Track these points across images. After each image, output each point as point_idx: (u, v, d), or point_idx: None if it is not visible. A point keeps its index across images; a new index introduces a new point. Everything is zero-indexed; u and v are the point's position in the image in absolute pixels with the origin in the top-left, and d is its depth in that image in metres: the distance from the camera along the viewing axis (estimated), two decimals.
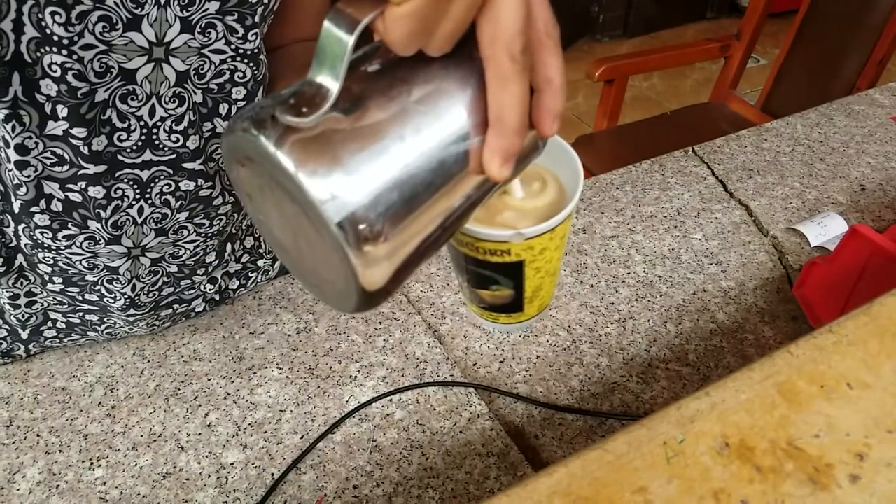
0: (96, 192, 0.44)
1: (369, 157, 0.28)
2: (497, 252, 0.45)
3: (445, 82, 0.30)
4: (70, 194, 0.44)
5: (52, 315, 0.54)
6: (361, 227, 0.28)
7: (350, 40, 0.26)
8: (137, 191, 0.46)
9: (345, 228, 0.27)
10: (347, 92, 0.28)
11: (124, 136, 0.43)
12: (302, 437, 0.51)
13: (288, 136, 0.27)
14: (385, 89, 0.29)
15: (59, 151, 0.41)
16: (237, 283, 0.61)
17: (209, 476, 0.48)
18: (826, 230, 0.68)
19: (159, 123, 0.44)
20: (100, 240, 0.47)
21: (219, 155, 0.48)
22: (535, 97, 0.32)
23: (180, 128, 0.45)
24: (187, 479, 0.48)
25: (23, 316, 0.53)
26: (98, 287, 0.50)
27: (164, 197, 0.47)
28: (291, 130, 0.27)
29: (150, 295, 0.53)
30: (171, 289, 0.55)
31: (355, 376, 0.55)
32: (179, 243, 0.52)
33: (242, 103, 0.46)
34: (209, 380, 0.55)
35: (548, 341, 0.58)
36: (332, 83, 0.27)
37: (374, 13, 0.26)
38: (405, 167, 0.29)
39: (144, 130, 0.43)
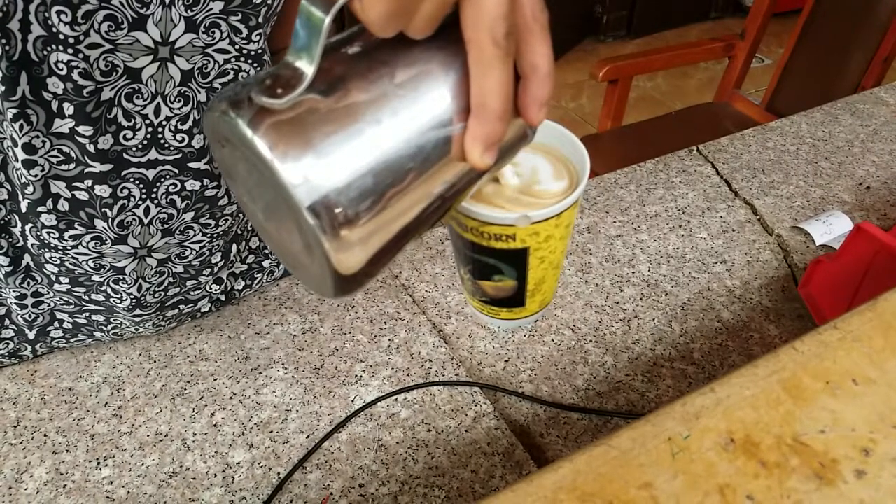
0: (102, 190, 0.44)
1: (343, 140, 0.27)
2: (502, 237, 0.45)
3: (427, 66, 0.30)
4: (77, 193, 0.44)
5: (59, 315, 0.54)
6: (333, 210, 0.27)
7: (325, 21, 0.26)
8: (143, 190, 0.46)
9: (316, 212, 0.27)
10: (326, 74, 0.28)
11: (130, 134, 0.43)
12: (308, 437, 0.51)
13: (262, 117, 0.26)
14: (364, 72, 0.29)
15: (65, 149, 0.42)
16: (242, 283, 0.61)
17: (215, 475, 0.48)
18: (831, 229, 0.68)
19: (165, 122, 0.44)
20: (106, 240, 0.47)
21: None
22: (522, 84, 0.31)
23: (185, 127, 0.45)
24: (194, 479, 0.48)
25: (30, 316, 0.53)
26: (104, 287, 0.51)
27: (169, 197, 0.48)
28: (266, 112, 0.27)
29: (156, 295, 0.54)
30: (177, 289, 0.55)
31: (360, 376, 0.55)
32: (185, 244, 0.52)
33: None
34: (215, 380, 0.55)
35: (553, 340, 0.58)
36: (307, 65, 0.27)
37: None
38: (381, 151, 0.28)
39: (150, 129, 0.44)
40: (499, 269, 0.49)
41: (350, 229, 0.28)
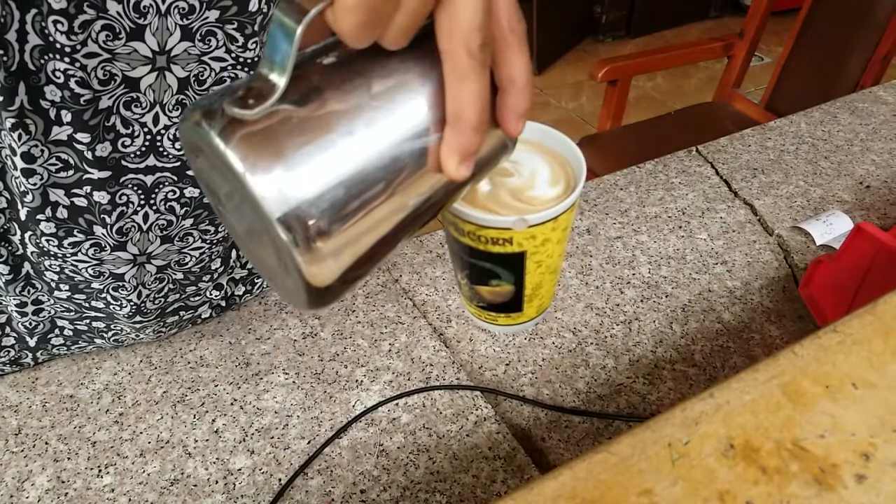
0: (101, 197, 0.44)
1: (315, 151, 0.27)
2: (499, 241, 0.45)
3: (403, 77, 0.29)
4: (75, 199, 0.44)
5: (60, 322, 0.54)
6: (304, 222, 0.27)
7: (297, 31, 0.25)
8: (142, 196, 0.46)
9: (286, 224, 0.27)
10: (300, 84, 0.27)
11: (128, 141, 0.43)
12: (309, 443, 0.51)
13: (233, 128, 0.26)
14: (339, 82, 0.28)
15: (63, 156, 0.42)
16: (243, 289, 0.61)
17: (217, 482, 0.48)
18: (831, 228, 0.68)
19: (163, 131, 0.44)
20: (105, 246, 0.47)
21: None
22: (499, 96, 0.31)
23: None
24: (195, 486, 0.48)
25: (30, 324, 0.53)
26: (104, 294, 0.51)
27: (168, 203, 0.48)
28: (238, 123, 0.26)
29: (156, 302, 0.54)
30: (177, 295, 0.55)
31: (361, 381, 0.55)
32: (185, 250, 0.52)
33: None
34: (216, 386, 0.55)
35: (553, 343, 0.58)
36: (279, 76, 0.26)
37: (323, 3, 0.25)
38: (355, 163, 0.28)
39: (148, 137, 0.44)
40: (496, 273, 0.49)
41: (322, 241, 0.28)
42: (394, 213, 0.30)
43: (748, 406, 0.31)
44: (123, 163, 0.44)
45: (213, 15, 0.40)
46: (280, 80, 0.26)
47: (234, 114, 0.26)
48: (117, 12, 0.37)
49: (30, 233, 0.46)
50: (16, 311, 0.52)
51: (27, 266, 0.49)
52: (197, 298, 0.57)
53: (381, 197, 0.29)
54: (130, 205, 0.46)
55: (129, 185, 0.45)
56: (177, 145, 0.45)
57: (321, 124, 0.27)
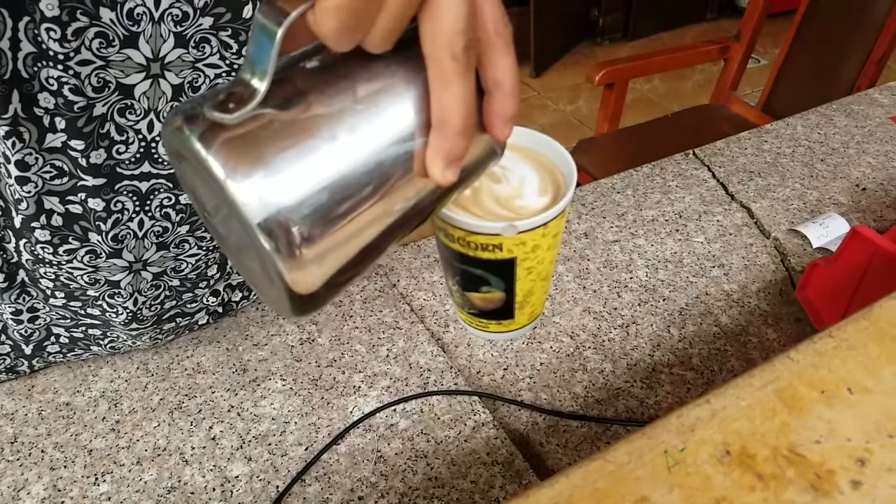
0: (96, 204, 0.44)
1: (296, 156, 0.27)
2: (489, 247, 0.45)
3: (388, 80, 0.29)
4: (70, 206, 0.44)
5: (56, 330, 0.54)
6: (285, 228, 0.27)
7: (278, 34, 0.25)
8: (137, 203, 0.46)
9: (266, 230, 0.26)
10: (283, 88, 0.27)
11: (123, 148, 0.43)
12: (306, 449, 0.51)
13: (214, 133, 0.26)
14: (323, 86, 0.28)
15: (58, 164, 0.42)
16: (240, 294, 0.61)
17: (214, 490, 0.48)
18: (828, 231, 0.68)
19: (158, 138, 0.44)
20: (101, 253, 0.47)
21: None
22: (485, 100, 0.31)
23: None
24: (192, 493, 0.48)
25: (26, 331, 0.53)
26: (100, 302, 0.51)
27: (164, 210, 0.48)
28: (219, 128, 0.26)
29: (153, 309, 0.54)
30: (174, 302, 0.55)
31: (359, 386, 0.55)
32: (181, 257, 0.52)
33: None
34: (213, 392, 0.55)
35: (551, 348, 0.58)
36: (260, 79, 0.26)
37: (304, 6, 0.25)
38: (338, 168, 0.28)
39: (143, 144, 0.44)
40: (486, 280, 0.48)
41: (305, 248, 0.27)
42: (379, 218, 0.30)
43: (744, 412, 0.31)
44: (118, 170, 0.44)
45: (207, 22, 0.40)
46: (261, 84, 0.26)
47: (215, 118, 0.26)
48: (110, 19, 0.37)
49: (24, 240, 0.46)
50: (11, 318, 0.52)
51: (22, 274, 0.49)
52: (193, 305, 0.57)
53: (365, 202, 0.29)
54: (126, 212, 0.46)
55: (124, 192, 0.45)
56: None
57: (304, 128, 0.27)
